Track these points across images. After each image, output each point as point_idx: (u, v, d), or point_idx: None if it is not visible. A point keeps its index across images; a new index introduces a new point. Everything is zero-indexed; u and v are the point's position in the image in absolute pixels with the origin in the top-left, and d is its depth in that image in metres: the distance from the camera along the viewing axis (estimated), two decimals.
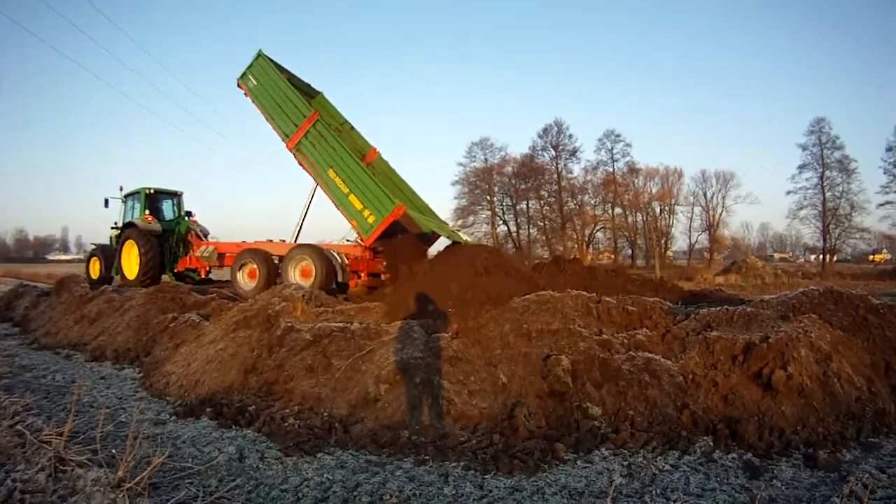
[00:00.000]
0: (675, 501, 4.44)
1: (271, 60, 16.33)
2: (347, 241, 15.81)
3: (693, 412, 6.12)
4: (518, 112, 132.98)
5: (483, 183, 65.74)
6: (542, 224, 65.56)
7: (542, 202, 65.60)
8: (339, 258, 14.67)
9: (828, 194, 57.99)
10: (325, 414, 6.17)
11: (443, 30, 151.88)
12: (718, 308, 8.05)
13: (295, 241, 16.11)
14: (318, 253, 14.65)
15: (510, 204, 66.24)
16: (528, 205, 65.98)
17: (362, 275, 15.14)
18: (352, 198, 14.42)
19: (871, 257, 74.95)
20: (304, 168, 15.63)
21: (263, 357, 7.32)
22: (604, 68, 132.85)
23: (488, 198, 65.84)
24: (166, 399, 7.11)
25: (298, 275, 14.65)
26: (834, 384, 6.41)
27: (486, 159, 66.44)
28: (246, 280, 15.64)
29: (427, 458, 5.22)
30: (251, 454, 5.14)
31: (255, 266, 15.58)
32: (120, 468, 3.83)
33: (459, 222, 64.08)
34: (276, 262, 15.59)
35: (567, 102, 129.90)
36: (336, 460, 5.11)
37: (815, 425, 6.01)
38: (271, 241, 16.83)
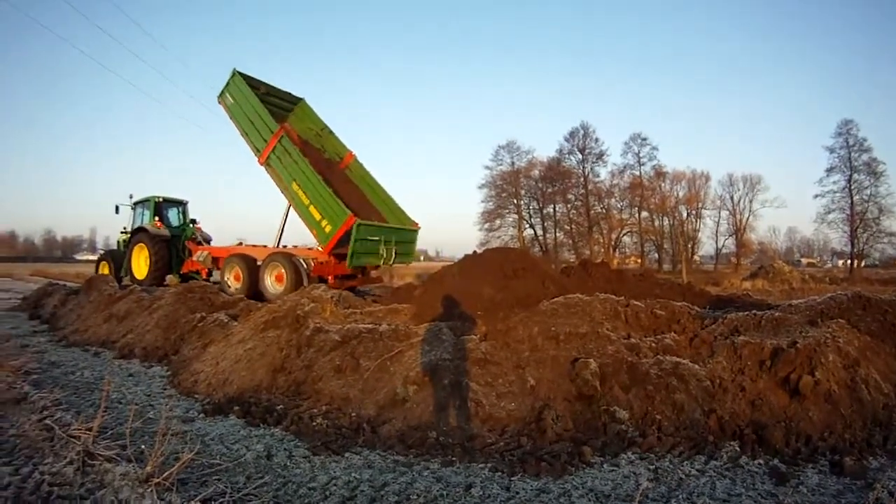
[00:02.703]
0: None
1: (246, 77, 17.62)
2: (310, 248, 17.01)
3: (720, 417, 6.06)
4: (545, 115, 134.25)
5: (510, 186, 66.18)
6: (568, 228, 65.75)
7: (568, 206, 65.79)
8: (304, 264, 15.81)
9: (855, 198, 57.70)
10: (353, 414, 6.16)
11: (471, 32, 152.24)
12: (746, 313, 7.99)
13: (276, 246, 17.52)
14: (289, 260, 15.94)
15: (537, 207, 66.70)
16: (554, 208, 66.33)
17: (329, 278, 16.05)
18: (312, 209, 15.82)
19: None
20: (274, 182, 16.91)
21: (292, 357, 7.33)
22: (631, 71, 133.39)
23: (515, 201, 66.23)
24: (194, 397, 7.12)
25: (274, 279, 16.14)
26: (861, 390, 6.32)
27: (512, 163, 67.08)
28: (232, 282, 17.00)
29: (454, 459, 5.19)
30: (279, 452, 5.14)
31: (239, 270, 16.93)
32: (148, 463, 3.83)
33: (486, 226, 65.06)
34: (259, 265, 16.72)
35: (594, 105, 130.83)
36: (364, 460, 5.10)
37: (841, 432, 5.93)
38: (255, 245, 18.20)
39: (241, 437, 5.56)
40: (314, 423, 5.91)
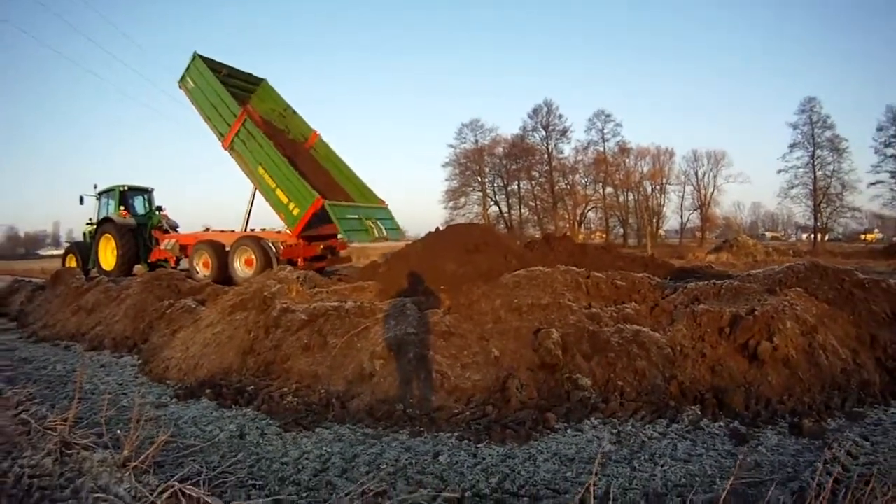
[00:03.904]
0: (662, 466, 4.56)
1: (207, 60, 17.36)
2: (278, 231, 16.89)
3: (681, 382, 6.26)
4: (509, 93, 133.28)
5: (474, 164, 66.11)
6: (533, 204, 65.89)
7: (533, 182, 65.90)
8: (273, 247, 15.74)
9: (818, 173, 58.55)
10: (323, 391, 6.27)
11: (435, 10, 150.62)
12: (706, 283, 8.19)
13: (244, 231, 17.28)
14: (258, 244, 15.88)
15: (501, 185, 66.75)
16: (519, 185, 66.39)
17: (299, 261, 15.99)
18: (278, 192, 15.75)
19: (862, 236, 74.81)
20: (239, 166, 16.80)
21: (260, 338, 7.41)
22: (595, 48, 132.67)
23: (479, 179, 66.23)
24: (166, 383, 7.20)
25: (243, 264, 16.06)
26: (819, 355, 6.56)
27: (476, 140, 66.93)
28: (201, 269, 16.86)
29: (422, 429, 5.35)
30: (251, 431, 5.25)
31: (207, 256, 16.79)
32: (125, 448, 3.92)
33: (451, 204, 64.95)
34: (227, 250, 16.61)
35: (558, 83, 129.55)
36: (334, 434, 5.23)
37: (800, 395, 6.15)
38: (223, 231, 18.03)
39: (214, 418, 5.66)
40: (285, 402, 6.04)
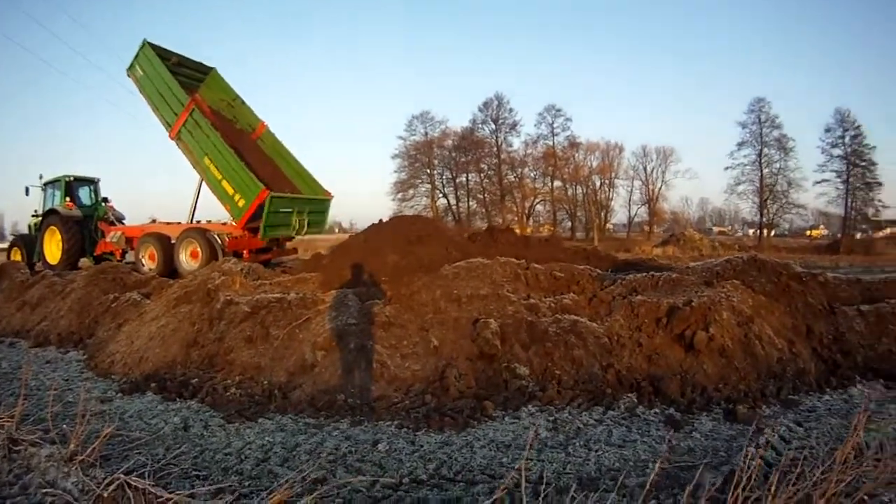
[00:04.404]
0: (596, 452, 4.76)
1: (156, 48, 17.01)
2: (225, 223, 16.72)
3: (618, 371, 6.49)
4: (460, 86, 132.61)
5: (423, 156, 66.21)
6: (481, 197, 66.27)
7: (481, 175, 66.30)
8: (218, 239, 15.61)
9: (765, 171, 60.63)
10: (265, 382, 6.37)
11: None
12: (645, 274, 8.44)
13: (190, 223, 17.07)
14: (203, 236, 15.70)
15: (450, 177, 66.92)
16: (467, 178, 66.73)
17: (244, 253, 16.02)
18: (224, 183, 15.59)
19: (807, 232, 77.54)
20: (185, 157, 16.56)
21: (204, 331, 7.47)
22: (547, 43, 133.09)
23: (428, 171, 66.21)
24: (112, 378, 7.20)
25: (189, 256, 15.85)
26: (755, 345, 6.85)
27: (426, 132, 66.97)
28: (147, 261, 16.62)
29: (362, 418, 5.50)
30: (195, 423, 5.35)
31: (153, 249, 16.53)
32: (71, 443, 4.00)
33: (399, 196, 64.96)
34: (173, 243, 16.38)
35: (509, 77, 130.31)
36: (276, 424, 5.35)
37: (736, 383, 6.43)
38: (169, 223, 17.67)
39: (159, 411, 5.73)
40: (228, 394, 6.14)
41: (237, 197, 15.45)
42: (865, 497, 3.46)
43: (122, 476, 3.59)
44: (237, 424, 5.35)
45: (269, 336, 7.06)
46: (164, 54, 17.30)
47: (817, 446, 4.72)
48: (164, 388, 6.44)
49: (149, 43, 17.00)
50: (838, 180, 58.75)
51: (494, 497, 3.34)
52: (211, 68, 19.31)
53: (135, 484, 3.53)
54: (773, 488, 3.22)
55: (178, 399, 6.14)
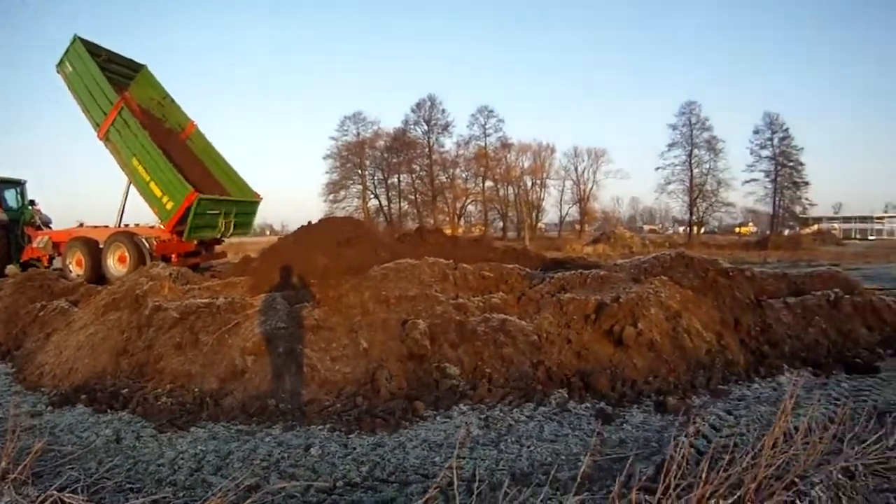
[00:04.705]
0: (528, 448, 4.93)
1: (87, 44, 16.41)
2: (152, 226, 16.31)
3: (548, 368, 6.69)
4: (394, 87, 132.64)
5: (355, 157, 66.26)
6: (413, 198, 66.82)
7: (413, 176, 66.96)
8: (146, 243, 15.21)
9: (695, 171, 63.77)
10: (196, 390, 6.37)
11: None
12: (573, 272, 8.67)
13: (117, 226, 16.57)
14: (131, 240, 15.30)
15: (382, 178, 67.36)
16: (399, 179, 67.45)
17: (173, 257, 15.59)
18: (152, 185, 15.20)
19: (736, 229, 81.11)
20: (114, 157, 16.06)
21: (133, 339, 7.40)
22: (480, 45, 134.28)
23: (360, 172, 66.25)
24: (41, 391, 7.08)
25: (116, 261, 15.42)
26: (683, 338, 7.14)
27: (358, 133, 67.18)
28: (74, 267, 16.07)
29: (294, 423, 5.57)
30: (127, 435, 5.31)
31: (81, 254, 16.00)
32: (2, 461, 3.95)
33: (331, 197, 64.91)
34: (100, 247, 15.91)
35: (443, 78, 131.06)
36: (208, 433, 5.37)
37: (665, 375, 6.69)
38: (96, 227, 17.09)
39: (90, 424, 5.68)
40: (159, 403, 6.13)
41: (165, 199, 15.11)
42: (796, 479, 3.66)
43: (55, 493, 3.57)
44: (169, 434, 5.34)
45: (199, 342, 7.04)
46: (94, 50, 16.67)
47: (747, 433, 4.94)
48: (95, 399, 6.36)
49: (80, 38, 16.39)
50: (767, 180, 62.86)
51: (427, 496, 3.40)
52: (142, 65, 18.68)
53: (68, 500, 3.53)
54: (703, 475, 3.34)
55: (108, 410, 6.06)
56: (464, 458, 4.71)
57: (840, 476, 3.92)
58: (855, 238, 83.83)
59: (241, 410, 5.89)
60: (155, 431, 5.42)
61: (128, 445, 5.11)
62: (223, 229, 16.64)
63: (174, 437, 5.28)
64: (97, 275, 15.52)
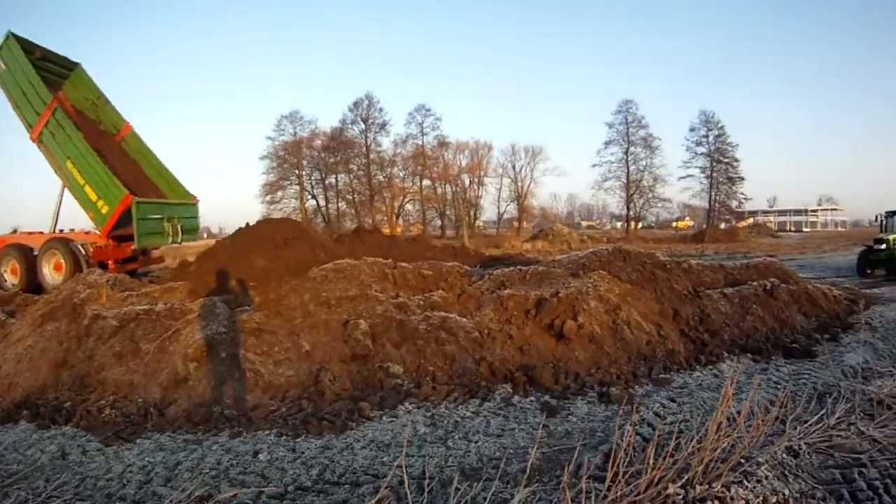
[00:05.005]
0: (476, 443, 5.08)
1: (21, 40, 15.89)
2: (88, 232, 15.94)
3: (491, 363, 6.86)
4: (331, 86, 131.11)
5: (292, 157, 65.19)
6: (351, 198, 66.08)
7: (351, 176, 66.03)
8: (82, 250, 14.91)
9: (632, 168, 64.47)
10: (140, 400, 6.33)
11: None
12: (512, 268, 8.86)
13: (52, 232, 16.09)
14: (66, 246, 14.92)
15: (319, 178, 66.33)
16: (337, 178, 66.47)
17: (109, 263, 15.28)
18: (87, 189, 14.89)
19: (674, 224, 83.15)
20: (47, 160, 15.65)
21: (73, 349, 7.29)
22: (418, 42, 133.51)
23: (297, 172, 65.33)
24: None
25: (52, 269, 14.99)
26: (624, 330, 7.39)
27: (295, 133, 65.98)
28: (9, 276, 15.62)
29: (241, 429, 5.59)
30: (73, 450, 5.24)
31: (15, 262, 15.55)
32: None
33: (268, 198, 63.90)
34: (35, 255, 15.48)
35: (381, 77, 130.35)
36: (155, 443, 5.34)
37: (608, 367, 6.92)
38: (31, 233, 16.61)
39: (34, 441, 5.58)
40: (103, 415, 6.06)
41: (100, 203, 14.85)
42: (742, 460, 3.87)
43: None
44: (115, 447, 5.29)
45: (140, 350, 6.99)
46: (28, 47, 16.16)
47: (691, 419, 5.20)
48: (38, 414, 6.24)
49: (13, 34, 15.89)
50: (702, 175, 63.83)
51: (378, 496, 3.45)
52: (76, 64, 18.10)
53: None
54: (651, 460, 3.51)
55: (52, 426, 5.95)
56: (412, 456, 4.83)
57: (784, 455, 4.19)
58: (790, 230, 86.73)
59: (187, 419, 5.89)
60: (101, 445, 5.36)
61: (74, 461, 5.06)
62: (172, 234, 16.38)
63: (120, 450, 5.23)
64: (33, 283, 15.16)
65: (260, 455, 4.98)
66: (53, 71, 17.36)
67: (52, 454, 5.20)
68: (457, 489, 3.65)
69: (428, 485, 3.91)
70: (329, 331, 7.16)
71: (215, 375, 6.44)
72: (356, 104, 65.95)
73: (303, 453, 5.01)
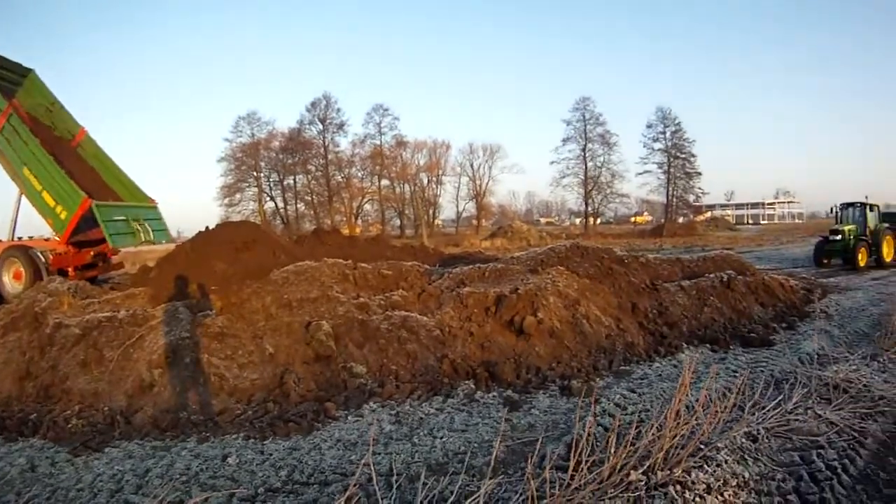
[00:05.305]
0: (441, 439, 5.22)
1: None
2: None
3: (453, 361, 7.00)
4: (289, 86, 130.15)
5: (250, 159, 64.83)
6: (309, 199, 66.02)
7: (309, 177, 66.18)
8: (41, 257, 14.61)
9: (589, 164, 65.61)
10: (106, 408, 6.33)
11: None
12: (471, 266, 9.01)
13: (10, 240, 15.87)
14: (25, 253, 14.62)
15: (278, 180, 66.16)
16: (295, 180, 66.50)
17: (70, 270, 14.99)
18: (45, 194, 14.62)
19: (632, 219, 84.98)
20: (3, 167, 15.42)
21: (36, 359, 7.25)
22: (375, 41, 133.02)
23: (255, 174, 65.00)
24: None
25: (11, 277, 14.66)
26: (583, 325, 7.56)
27: (252, 134, 65.74)
28: None
29: (208, 434, 5.65)
30: (42, 462, 5.22)
31: None
32: None
33: (226, 200, 63.48)
34: None
35: (338, 77, 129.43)
36: (123, 452, 5.36)
37: (568, 361, 7.10)
38: None
39: (2, 454, 5.52)
40: (70, 426, 6.05)
41: (59, 209, 14.65)
42: (701, 446, 4.06)
43: None
44: (84, 457, 5.28)
45: (104, 358, 6.98)
46: None
47: (651, 408, 5.38)
48: (4, 427, 6.19)
49: None
50: (660, 171, 65.70)
51: (347, 493, 3.50)
52: (30, 70, 17.70)
53: None
54: (612, 449, 3.66)
55: (19, 438, 5.91)
56: (379, 454, 4.93)
57: (743, 440, 4.41)
58: (748, 223, 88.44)
59: (154, 426, 5.92)
60: (70, 455, 5.35)
61: (44, 473, 5.04)
62: (144, 234, 16.25)
63: (90, 460, 5.24)
64: None
65: (229, 459, 5.03)
66: (6, 77, 17.04)
67: (21, 467, 5.17)
68: (424, 484, 3.75)
69: (396, 481, 4.03)
70: (292, 333, 7.23)
71: (180, 381, 6.47)
72: (314, 104, 66.15)
73: (271, 455, 5.08)
